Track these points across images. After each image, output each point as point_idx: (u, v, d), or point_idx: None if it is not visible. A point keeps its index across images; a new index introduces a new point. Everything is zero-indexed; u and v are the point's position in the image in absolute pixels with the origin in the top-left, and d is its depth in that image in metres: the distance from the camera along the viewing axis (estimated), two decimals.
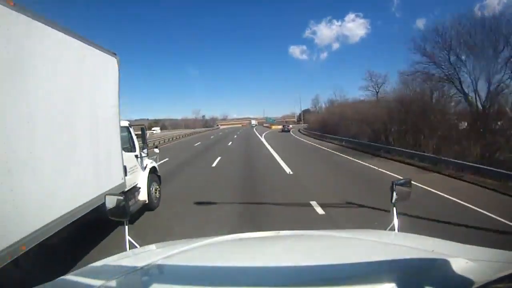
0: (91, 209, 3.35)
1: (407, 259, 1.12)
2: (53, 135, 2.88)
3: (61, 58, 3.08)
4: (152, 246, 1.61)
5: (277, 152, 15.71)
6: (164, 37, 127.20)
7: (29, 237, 2.40)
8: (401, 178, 1.89)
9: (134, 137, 5.53)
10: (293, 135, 35.72)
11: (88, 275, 1.14)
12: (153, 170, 5.96)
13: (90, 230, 4.00)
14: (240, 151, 18.14)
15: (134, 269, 1.13)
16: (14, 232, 2.27)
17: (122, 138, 4.54)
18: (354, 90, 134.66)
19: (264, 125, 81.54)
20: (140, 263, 1.19)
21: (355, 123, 23.31)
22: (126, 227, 1.68)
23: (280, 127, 51.87)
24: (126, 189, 4.50)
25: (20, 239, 2.30)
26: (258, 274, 1.06)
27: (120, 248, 1.62)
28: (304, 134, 35.19)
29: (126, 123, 5.31)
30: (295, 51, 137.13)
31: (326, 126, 30.57)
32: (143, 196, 5.34)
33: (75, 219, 3.07)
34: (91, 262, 1.42)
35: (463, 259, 0.96)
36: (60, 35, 3.02)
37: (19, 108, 2.41)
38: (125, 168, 4.48)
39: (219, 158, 13.79)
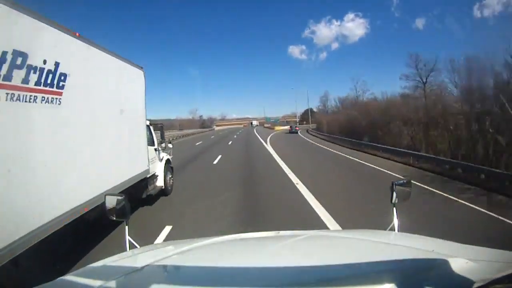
0: (129, 185, 4.60)
1: (407, 259, 1.12)
2: (106, 134, 4.12)
3: (109, 74, 4.32)
4: (152, 246, 1.70)
5: (312, 193, 7.09)
6: (162, 36, 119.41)
7: (108, 191, 3.60)
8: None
9: (154, 133, 6.54)
10: (309, 140, 27.85)
11: (88, 275, 1.13)
12: (167, 162, 7.03)
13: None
14: (235, 179, 9.44)
15: (134, 269, 1.14)
16: (92, 185, 3.56)
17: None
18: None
19: (265, 125, 76.55)
20: (140, 263, 1.20)
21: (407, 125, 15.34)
22: (126, 227, 1.64)
23: (284, 128, 50.71)
24: (149, 175, 5.65)
25: (98, 194, 3.51)
26: (258, 274, 1.05)
27: (120, 248, 1.59)
28: (323, 140, 26.98)
29: (147, 122, 6.12)
30: (294, 50, 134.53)
31: (350, 128, 22.60)
32: (160, 182, 6.48)
33: (122, 189, 4.18)
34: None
35: (463, 259, 0.95)
36: (106, 55, 4.17)
37: (85, 116, 3.54)
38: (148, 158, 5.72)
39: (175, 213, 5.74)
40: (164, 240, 4.48)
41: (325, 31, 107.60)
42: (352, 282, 0.91)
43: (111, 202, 1.65)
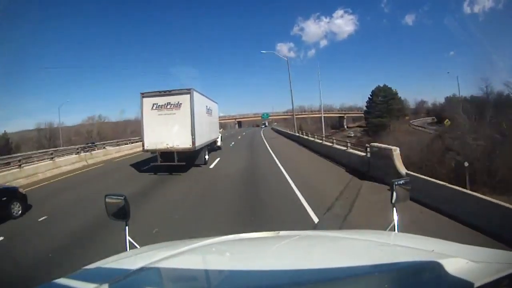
0: (213, 140, 16.74)
1: (407, 259, 1.13)
2: (209, 126, 14.97)
3: (210, 107, 15.38)
4: (152, 246, 1.65)
5: None
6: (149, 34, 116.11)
7: (208, 142, 14.44)
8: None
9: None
10: None
11: (87, 276, 1.17)
12: (221, 136, 20.38)
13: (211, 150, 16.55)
14: None
15: (133, 270, 1.14)
16: (212, 137, 16.02)
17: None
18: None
19: (274, 125, 60.69)
20: (140, 264, 1.21)
21: None
22: (126, 227, 1.70)
23: None
24: (217, 139, 18.51)
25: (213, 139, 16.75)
26: (258, 274, 1.08)
27: (120, 248, 1.64)
28: None
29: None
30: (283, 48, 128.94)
31: None
32: (219, 143, 19.12)
33: (209, 142, 15.12)
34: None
35: (463, 259, 0.96)
36: (211, 101, 16.03)
37: (211, 118, 15.98)
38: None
39: None
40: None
41: (313, 28, 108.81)
42: (352, 282, 0.94)
43: (111, 203, 1.69)
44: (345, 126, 77.07)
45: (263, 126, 69.41)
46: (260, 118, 72.84)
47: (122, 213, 1.68)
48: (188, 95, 11.23)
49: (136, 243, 1.66)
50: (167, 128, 11.20)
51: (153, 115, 11.36)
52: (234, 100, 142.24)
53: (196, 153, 12.00)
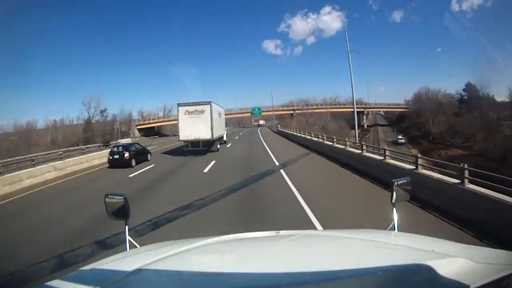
0: (220, 136, 21.61)
1: (407, 259, 1.14)
2: (220, 125, 21.47)
3: (220, 112, 22.19)
4: (152, 246, 1.69)
5: None
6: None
7: (219, 136, 21.41)
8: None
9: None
10: None
11: (81, 277, 1.19)
12: (227, 133, 27.78)
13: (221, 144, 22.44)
14: None
15: (133, 269, 1.15)
16: (221, 133, 22.60)
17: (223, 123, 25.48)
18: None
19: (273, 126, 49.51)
20: (138, 264, 1.21)
21: None
22: (126, 227, 1.76)
23: None
24: (223, 135, 24.49)
25: (221, 134, 23.18)
26: (258, 274, 1.10)
27: (120, 248, 1.53)
28: None
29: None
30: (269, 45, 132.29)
31: None
32: (224, 138, 25.07)
33: (219, 137, 21.05)
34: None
35: (463, 259, 0.98)
36: (219, 106, 21.85)
37: (220, 119, 22.09)
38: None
39: None
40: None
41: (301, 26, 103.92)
42: (352, 282, 0.95)
43: (111, 202, 1.73)
44: (365, 125, 64.06)
45: (260, 125, 58.26)
46: (249, 114, 60.72)
47: (122, 213, 1.74)
48: (209, 105, 18.01)
49: (136, 243, 1.69)
50: (195, 126, 17.84)
51: (186, 117, 18.04)
52: (217, 93, 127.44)
53: (212, 142, 18.82)
